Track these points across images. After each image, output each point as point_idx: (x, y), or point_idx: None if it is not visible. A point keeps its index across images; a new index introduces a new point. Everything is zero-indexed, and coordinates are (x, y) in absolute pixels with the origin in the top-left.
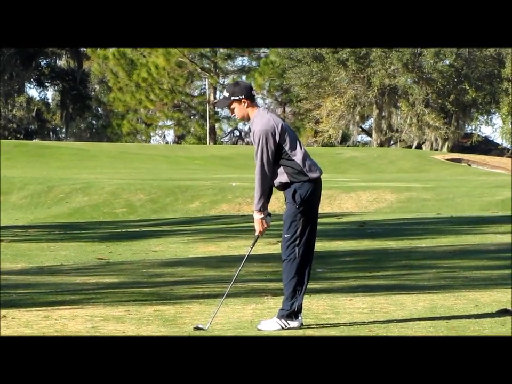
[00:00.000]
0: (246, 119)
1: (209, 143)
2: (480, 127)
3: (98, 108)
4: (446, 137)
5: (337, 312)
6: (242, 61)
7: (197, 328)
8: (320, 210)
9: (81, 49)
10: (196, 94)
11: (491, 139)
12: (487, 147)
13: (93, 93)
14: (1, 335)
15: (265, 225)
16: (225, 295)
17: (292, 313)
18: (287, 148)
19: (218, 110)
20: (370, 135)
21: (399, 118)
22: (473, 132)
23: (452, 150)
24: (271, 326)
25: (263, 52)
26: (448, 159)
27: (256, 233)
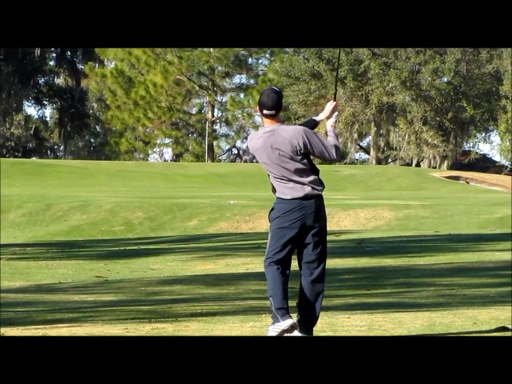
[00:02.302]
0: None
1: (207, 161)
2: (478, 145)
3: (96, 126)
4: (444, 154)
5: (335, 330)
6: (240, 78)
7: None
8: None
9: (79, 67)
10: (194, 112)
11: (489, 156)
12: (485, 164)
13: (91, 111)
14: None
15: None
16: None
17: (274, 314)
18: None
19: (216, 128)
20: (368, 152)
21: (397, 135)
22: (471, 149)
23: (450, 167)
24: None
25: (261, 70)
26: (446, 177)
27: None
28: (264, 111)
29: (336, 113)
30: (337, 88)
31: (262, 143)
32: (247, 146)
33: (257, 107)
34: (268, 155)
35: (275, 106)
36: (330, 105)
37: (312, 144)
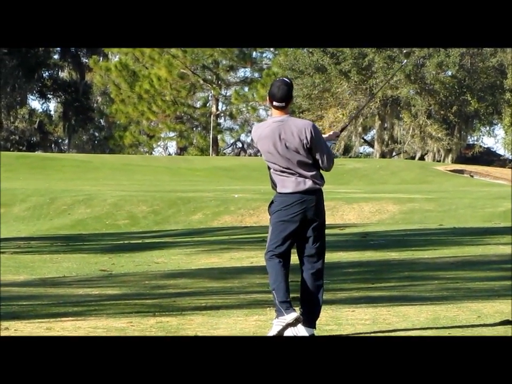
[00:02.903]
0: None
1: (211, 155)
2: (482, 138)
3: (101, 120)
4: (449, 148)
5: (339, 324)
6: (244, 72)
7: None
8: None
9: (84, 60)
10: (198, 106)
11: (493, 150)
12: (489, 158)
13: (95, 105)
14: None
15: None
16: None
17: (278, 308)
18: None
19: (221, 121)
20: (372, 146)
21: (401, 129)
22: (476, 142)
23: (454, 161)
24: (273, 331)
25: (265, 64)
26: (450, 170)
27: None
28: (274, 103)
29: (333, 141)
30: (347, 123)
31: (270, 131)
32: (251, 139)
33: (267, 97)
34: (274, 144)
35: (284, 98)
36: (334, 134)
37: (316, 143)
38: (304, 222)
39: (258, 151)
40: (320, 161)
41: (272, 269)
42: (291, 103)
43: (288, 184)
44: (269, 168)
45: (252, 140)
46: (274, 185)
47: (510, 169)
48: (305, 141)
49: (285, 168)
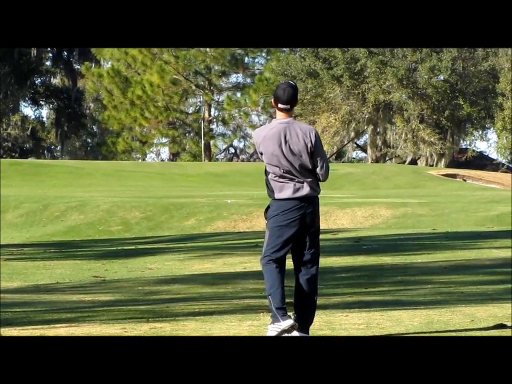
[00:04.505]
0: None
1: (204, 160)
2: (475, 142)
3: (93, 126)
4: (441, 152)
5: (333, 328)
6: (236, 77)
7: None
8: None
9: (76, 67)
10: (191, 111)
11: (486, 154)
12: (482, 162)
13: (87, 111)
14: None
15: None
16: None
17: (274, 314)
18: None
19: (213, 127)
20: (365, 151)
21: (394, 133)
22: (468, 147)
23: (447, 165)
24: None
25: (258, 69)
26: (443, 175)
27: None
28: (279, 105)
29: None
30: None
31: (275, 132)
32: (254, 141)
33: (272, 99)
34: (279, 146)
35: (290, 101)
36: None
37: (317, 149)
38: (301, 227)
39: (251, 155)
40: (319, 167)
41: (269, 274)
42: (296, 106)
43: (287, 190)
44: (266, 174)
45: (254, 141)
46: (271, 192)
47: (503, 173)
48: (309, 145)
49: (285, 173)
